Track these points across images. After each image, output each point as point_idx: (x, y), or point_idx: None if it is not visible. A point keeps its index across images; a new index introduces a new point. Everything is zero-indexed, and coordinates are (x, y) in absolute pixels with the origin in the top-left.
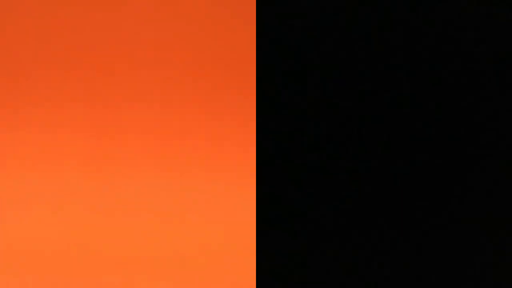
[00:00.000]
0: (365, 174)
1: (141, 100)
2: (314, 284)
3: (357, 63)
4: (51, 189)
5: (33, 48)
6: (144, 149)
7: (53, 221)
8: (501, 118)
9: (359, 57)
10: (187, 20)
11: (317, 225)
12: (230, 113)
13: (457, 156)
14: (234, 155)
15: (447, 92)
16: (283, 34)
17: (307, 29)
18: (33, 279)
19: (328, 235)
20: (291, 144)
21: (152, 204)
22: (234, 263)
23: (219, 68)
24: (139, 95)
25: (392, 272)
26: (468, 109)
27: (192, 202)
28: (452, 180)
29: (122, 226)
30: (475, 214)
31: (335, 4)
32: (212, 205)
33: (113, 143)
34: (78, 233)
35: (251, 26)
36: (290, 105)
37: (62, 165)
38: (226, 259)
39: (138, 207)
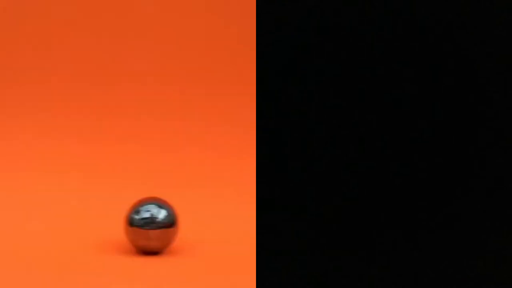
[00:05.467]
0: (365, 174)
1: (141, 102)
2: (314, 284)
3: (357, 63)
4: (51, 193)
5: (35, 54)
6: (144, 148)
7: (53, 223)
8: (501, 118)
9: (359, 57)
10: (187, 20)
11: (317, 225)
12: (230, 113)
13: (458, 156)
14: (234, 155)
15: (447, 92)
16: (283, 34)
17: (307, 29)
18: (32, 279)
19: (328, 235)
20: (291, 145)
21: None
22: (234, 263)
23: (219, 68)
24: (138, 99)
25: (392, 272)
26: (468, 109)
27: (192, 202)
28: (453, 180)
29: (121, 226)
30: (475, 214)
31: (335, 4)
32: (212, 205)
33: (111, 149)
34: (77, 234)
35: (251, 27)
36: (290, 105)
37: (62, 170)
38: (226, 258)
39: None
